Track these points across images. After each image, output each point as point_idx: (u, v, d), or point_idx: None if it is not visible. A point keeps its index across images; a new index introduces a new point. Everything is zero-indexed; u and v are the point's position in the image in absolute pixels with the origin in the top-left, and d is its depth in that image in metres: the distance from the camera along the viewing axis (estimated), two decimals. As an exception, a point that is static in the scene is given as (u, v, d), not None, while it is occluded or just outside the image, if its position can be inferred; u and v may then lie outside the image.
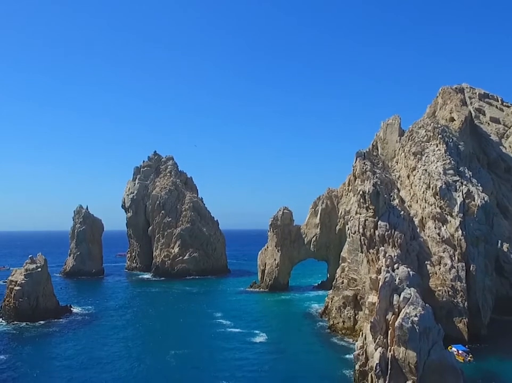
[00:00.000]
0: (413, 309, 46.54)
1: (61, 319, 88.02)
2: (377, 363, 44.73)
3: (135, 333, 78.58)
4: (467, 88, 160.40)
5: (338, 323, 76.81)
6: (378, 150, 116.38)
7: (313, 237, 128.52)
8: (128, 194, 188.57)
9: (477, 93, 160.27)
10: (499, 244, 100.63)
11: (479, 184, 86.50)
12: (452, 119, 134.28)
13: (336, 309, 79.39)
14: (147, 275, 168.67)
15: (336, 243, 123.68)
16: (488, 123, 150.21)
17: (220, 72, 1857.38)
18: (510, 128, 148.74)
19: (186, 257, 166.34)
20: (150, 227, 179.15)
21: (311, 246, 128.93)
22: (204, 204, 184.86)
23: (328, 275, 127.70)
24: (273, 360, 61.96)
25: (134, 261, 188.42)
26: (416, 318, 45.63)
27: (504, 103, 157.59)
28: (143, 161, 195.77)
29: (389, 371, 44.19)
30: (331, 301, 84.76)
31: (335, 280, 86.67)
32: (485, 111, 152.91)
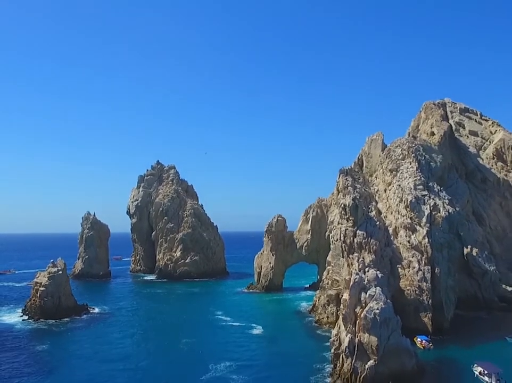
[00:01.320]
0: (375, 303, 58.75)
1: (83, 317, 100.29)
2: (346, 346, 56.93)
3: (150, 327, 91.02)
4: (449, 102, 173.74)
5: (323, 318, 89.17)
6: (363, 163, 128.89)
7: (305, 242, 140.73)
8: (132, 201, 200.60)
9: (458, 108, 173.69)
10: (469, 249, 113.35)
11: (445, 198, 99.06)
12: (433, 134, 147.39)
13: (321, 306, 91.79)
14: (150, 277, 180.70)
15: (325, 248, 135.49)
16: (468, 136, 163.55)
17: (221, 84, 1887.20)
18: (487, 141, 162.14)
19: (187, 261, 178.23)
20: (153, 233, 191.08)
21: (303, 251, 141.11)
22: (204, 210, 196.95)
23: (318, 277, 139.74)
24: (267, 346, 74.98)
25: (138, 264, 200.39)
26: (378, 311, 57.83)
27: (482, 117, 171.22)
28: (147, 170, 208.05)
29: (355, 352, 56.34)
30: (318, 300, 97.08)
31: (322, 281, 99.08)
32: (464, 125, 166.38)
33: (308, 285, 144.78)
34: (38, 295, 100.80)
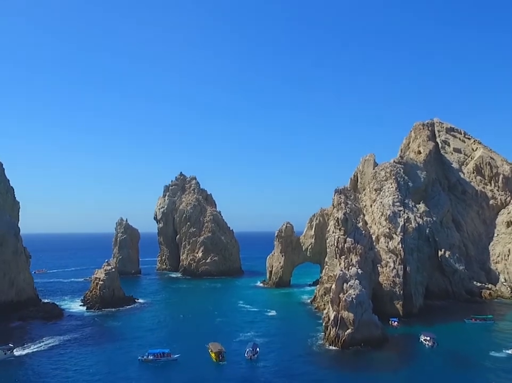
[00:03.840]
0: (353, 291, 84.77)
1: (134, 305, 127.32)
2: (332, 320, 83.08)
3: (189, 311, 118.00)
4: (437, 122, 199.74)
5: (321, 305, 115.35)
6: (358, 179, 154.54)
7: (309, 246, 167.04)
8: (159, 209, 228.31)
9: (445, 127, 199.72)
10: (443, 252, 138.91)
11: (418, 211, 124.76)
12: (419, 152, 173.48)
13: (320, 296, 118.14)
14: (175, 275, 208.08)
15: (326, 250, 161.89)
16: (452, 153, 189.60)
17: (237, 99, 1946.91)
18: (469, 157, 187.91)
19: (208, 261, 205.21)
20: (177, 236, 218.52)
21: (308, 252, 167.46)
22: (222, 216, 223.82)
23: (321, 275, 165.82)
24: (279, 323, 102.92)
25: (164, 263, 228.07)
26: (354, 296, 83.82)
27: (466, 136, 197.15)
28: (171, 181, 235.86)
29: (338, 324, 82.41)
30: (318, 292, 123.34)
31: (321, 277, 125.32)
32: (449, 143, 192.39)
33: (312, 282, 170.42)
34: (98, 287, 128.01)
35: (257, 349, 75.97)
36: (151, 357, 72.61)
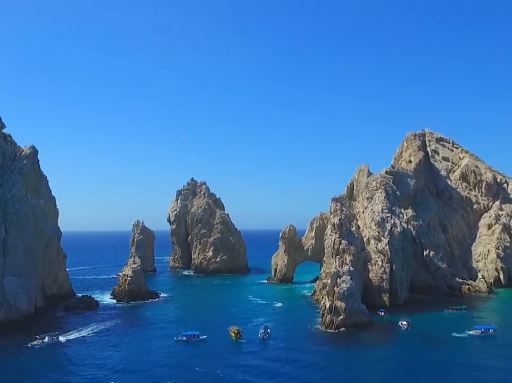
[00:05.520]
0: (345, 284, 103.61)
1: (159, 299, 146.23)
2: (327, 308, 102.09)
3: (207, 303, 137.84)
4: (428, 132, 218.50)
5: (319, 298, 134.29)
6: (353, 187, 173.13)
7: (310, 246, 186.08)
8: (172, 211, 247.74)
9: (435, 137, 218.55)
10: (428, 252, 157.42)
11: (404, 217, 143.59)
12: (410, 161, 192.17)
13: (319, 290, 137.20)
14: (188, 272, 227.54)
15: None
16: (441, 161, 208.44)
17: (246, 104, 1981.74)
18: (456, 165, 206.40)
19: (217, 259, 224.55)
20: (189, 237, 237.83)
21: (309, 252, 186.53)
22: (230, 219, 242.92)
23: (320, 272, 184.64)
24: (285, 312, 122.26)
25: (177, 262, 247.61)
26: (346, 288, 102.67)
27: (454, 145, 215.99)
28: (183, 185, 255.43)
29: (332, 311, 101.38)
30: (318, 287, 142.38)
31: (320, 274, 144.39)
32: (439, 152, 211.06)
33: (312, 279, 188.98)
34: (126, 283, 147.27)
35: (268, 330, 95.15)
36: (185, 338, 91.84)
